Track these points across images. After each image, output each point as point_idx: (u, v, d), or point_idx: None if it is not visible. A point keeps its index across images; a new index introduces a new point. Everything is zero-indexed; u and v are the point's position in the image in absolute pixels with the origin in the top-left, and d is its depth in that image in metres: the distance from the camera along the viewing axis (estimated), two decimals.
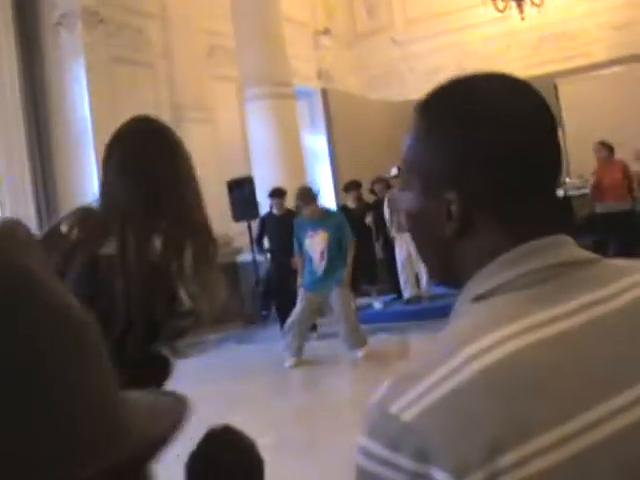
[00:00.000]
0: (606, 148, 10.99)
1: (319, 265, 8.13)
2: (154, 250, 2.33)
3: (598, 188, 10.76)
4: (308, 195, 8.29)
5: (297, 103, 13.31)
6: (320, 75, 16.66)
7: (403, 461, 0.75)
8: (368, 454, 0.78)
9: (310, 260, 8.19)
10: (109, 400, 0.57)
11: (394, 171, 11.15)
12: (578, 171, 10.98)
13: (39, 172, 11.26)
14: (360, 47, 17.97)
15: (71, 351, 0.56)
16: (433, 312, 10.07)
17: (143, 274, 2.31)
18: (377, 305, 11.14)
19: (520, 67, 13.19)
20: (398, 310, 10.68)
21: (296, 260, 8.44)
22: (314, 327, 9.16)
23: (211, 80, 13.71)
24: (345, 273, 8.18)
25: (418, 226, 0.95)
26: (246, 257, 12.28)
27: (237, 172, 12.30)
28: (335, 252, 8.12)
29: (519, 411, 0.75)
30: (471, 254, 0.90)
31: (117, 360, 0.62)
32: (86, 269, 2.35)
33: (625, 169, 10.67)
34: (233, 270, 12.49)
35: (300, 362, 8.40)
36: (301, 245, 8.25)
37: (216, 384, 8.66)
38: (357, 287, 11.39)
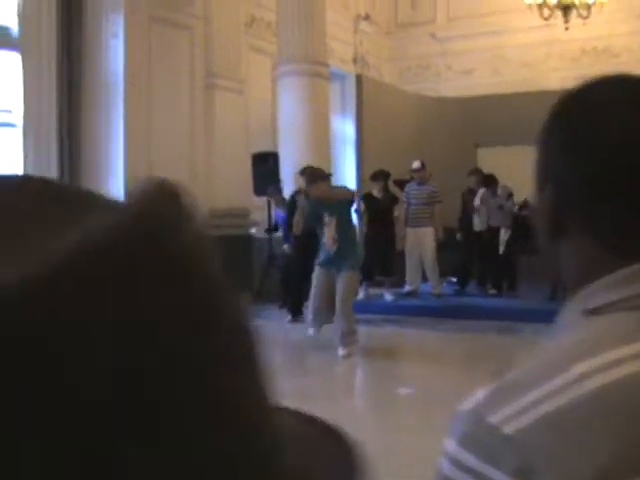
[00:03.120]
0: None
1: (331, 248, 7.88)
2: None
3: None
4: (316, 174, 8.13)
5: (330, 85, 13.24)
6: (356, 60, 16.57)
7: (500, 477, 0.70)
8: (457, 464, 0.73)
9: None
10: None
11: (416, 164, 11.09)
12: None
13: (65, 124, 11.19)
14: (399, 37, 17.86)
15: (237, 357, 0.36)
16: (439, 310, 10.11)
17: None
18: (387, 297, 11.11)
19: (557, 78, 13.10)
20: (407, 304, 10.66)
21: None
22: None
23: (248, 51, 13.64)
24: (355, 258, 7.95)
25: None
26: (261, 232, 12.26)
27: (263, 146, 12.25)
28: (344, 236, 7.85)
29: (636, 441, 0.68)
30: (568, 259, 0.86)
31: None
32: None
33: None
34: (247, 243, 12.47)
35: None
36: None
37: None
38: (371, 277, 11.34)
